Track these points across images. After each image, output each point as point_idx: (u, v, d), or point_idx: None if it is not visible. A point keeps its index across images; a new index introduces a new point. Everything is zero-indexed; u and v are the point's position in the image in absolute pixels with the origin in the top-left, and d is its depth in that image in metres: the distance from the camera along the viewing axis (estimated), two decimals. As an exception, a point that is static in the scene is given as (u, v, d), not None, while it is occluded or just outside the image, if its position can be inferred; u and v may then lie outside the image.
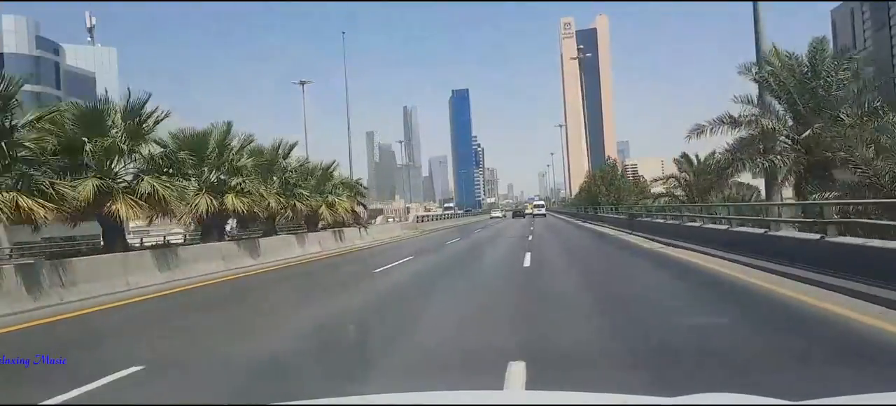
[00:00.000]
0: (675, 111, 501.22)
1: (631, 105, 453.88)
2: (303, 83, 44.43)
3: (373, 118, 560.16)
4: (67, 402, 4.24)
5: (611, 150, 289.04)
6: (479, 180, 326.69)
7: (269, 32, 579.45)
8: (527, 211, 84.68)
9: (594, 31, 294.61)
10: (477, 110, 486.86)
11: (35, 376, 5.30)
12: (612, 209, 40.90)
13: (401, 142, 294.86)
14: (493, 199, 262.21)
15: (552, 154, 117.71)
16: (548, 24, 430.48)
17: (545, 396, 2.39)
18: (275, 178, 20.73)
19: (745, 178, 20.75)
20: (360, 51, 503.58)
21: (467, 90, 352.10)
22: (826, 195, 13.71)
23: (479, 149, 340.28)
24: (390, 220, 59.14)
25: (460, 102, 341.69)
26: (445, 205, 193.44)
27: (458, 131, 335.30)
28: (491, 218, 78.90)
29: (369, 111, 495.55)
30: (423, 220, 53.00)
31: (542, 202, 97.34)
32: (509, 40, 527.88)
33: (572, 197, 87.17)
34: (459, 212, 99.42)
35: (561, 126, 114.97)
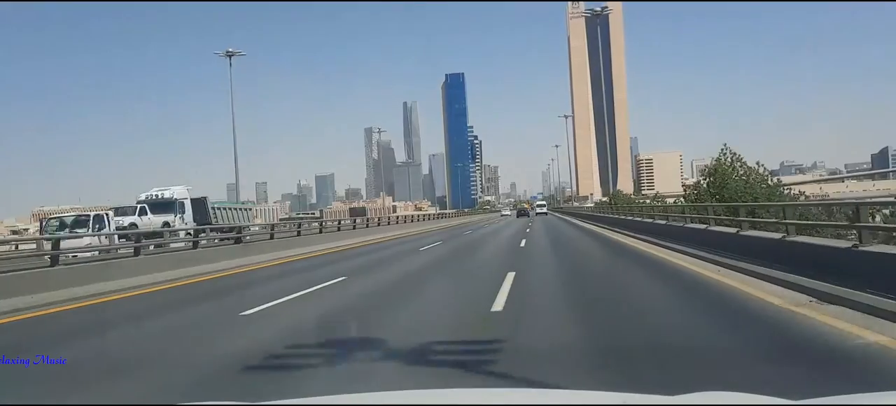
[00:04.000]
0: (686, 105, 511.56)
1: (637, 99, 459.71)
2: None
3: (371, 114, 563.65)
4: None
5: (623, 144, 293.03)
6: (475, 176, 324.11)
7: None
8: (528, 210, 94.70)
9: (606, 15, 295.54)
10: (475, 105, 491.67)
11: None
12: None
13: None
14: (491, 198, 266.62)
15: (554, 153, 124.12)
16: (553, 7, 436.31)
17: (545, 395, 2.46)
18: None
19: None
20: (357, 39, 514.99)
21: (462, 74, 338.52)
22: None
23: (476, 141, 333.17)
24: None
25: (455, 88, 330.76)
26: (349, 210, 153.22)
27: (452, 121, 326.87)
28: (502, 216, 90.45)
29: (368, 107, 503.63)
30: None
31: (544, 202, 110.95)
32: (510, 25, 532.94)
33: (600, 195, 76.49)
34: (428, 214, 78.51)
35: (567, 117, 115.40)
